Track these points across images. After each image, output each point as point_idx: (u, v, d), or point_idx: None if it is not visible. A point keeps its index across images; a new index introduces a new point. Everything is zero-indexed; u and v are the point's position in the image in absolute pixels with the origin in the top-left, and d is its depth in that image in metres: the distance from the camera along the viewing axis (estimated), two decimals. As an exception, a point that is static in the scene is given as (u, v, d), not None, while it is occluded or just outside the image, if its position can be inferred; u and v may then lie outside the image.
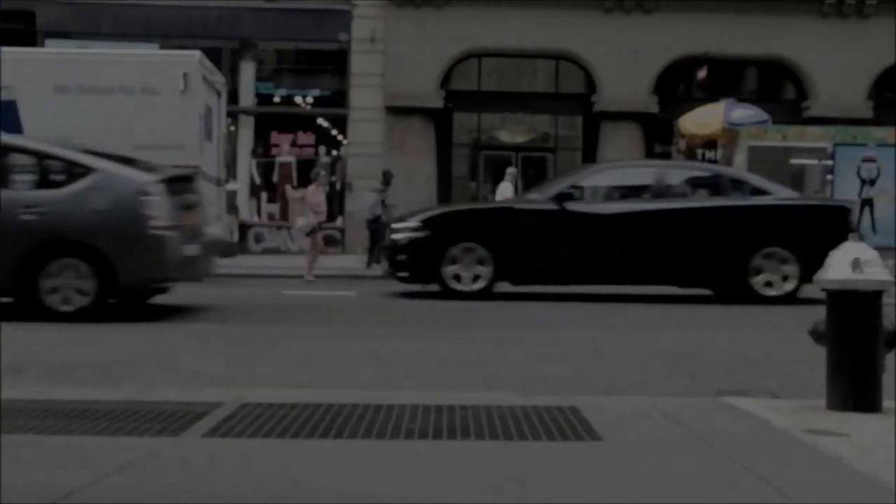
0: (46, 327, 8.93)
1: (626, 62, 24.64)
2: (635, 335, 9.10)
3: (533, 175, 25.89)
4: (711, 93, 22.99)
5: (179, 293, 11.15)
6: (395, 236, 12.91)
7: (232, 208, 21.03)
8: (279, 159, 25.46)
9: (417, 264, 12.62)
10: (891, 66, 24.73)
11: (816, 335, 4.73)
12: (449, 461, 3.65)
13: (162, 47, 21.97)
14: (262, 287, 14.88)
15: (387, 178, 19.77)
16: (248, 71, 25.58)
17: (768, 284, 12.40)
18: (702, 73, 24.79)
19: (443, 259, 12.35)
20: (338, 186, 25.25)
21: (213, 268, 11.16)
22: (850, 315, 4.58)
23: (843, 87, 24.68)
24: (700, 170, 15.03)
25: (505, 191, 20.48)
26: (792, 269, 12.35)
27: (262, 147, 25.78)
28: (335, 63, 25.83)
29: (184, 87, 15.49)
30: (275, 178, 25.38)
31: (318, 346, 7.89)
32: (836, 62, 24.65)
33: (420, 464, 3.64)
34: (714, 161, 24.15)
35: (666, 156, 26.28)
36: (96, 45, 21.83)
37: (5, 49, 15.63)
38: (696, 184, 13.64)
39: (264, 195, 25.61)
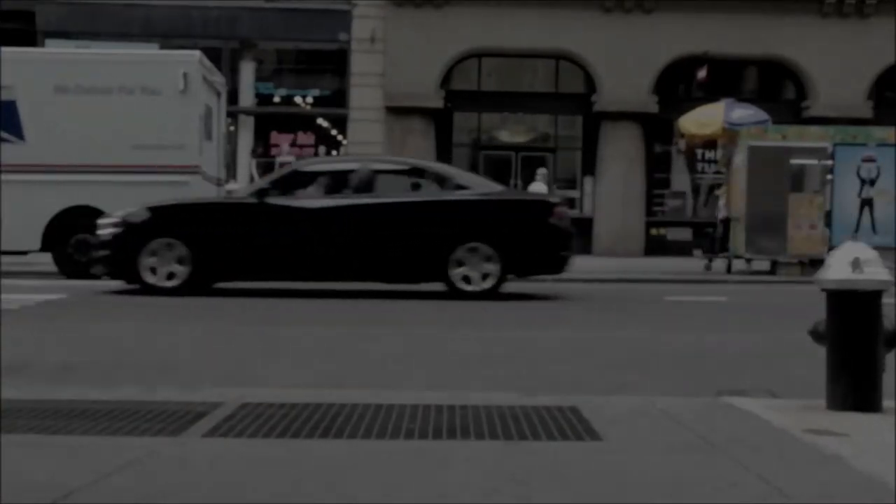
0: (47, 327, 8.94)
1: (625, 62, 24.67)
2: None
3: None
4: (711, 92, 23.02)
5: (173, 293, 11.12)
6: (99, 233, 12.77)
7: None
8: (279, 159, 25.47)
9: (116, 261, 12.47)
10: (891, 65, 24.77)
11: (816, 335, 4.73)
12: (449, 461, 3.65)
13: (162, 47, 22.00)
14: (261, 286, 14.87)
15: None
16: (248, 71, 25.61)
17: (469, 279, 12.23)
18: (702, 73, 24.82)
19: (139, 255, 12.17)
20: (338, 186, 25.27)
21: None
22: (850, 315, 4.58)
23: (843, 87, 24.71)
24: (402, 164, 14.54)
25: (538, 191, 20.53)
26: (493, 264, 12.19)
27: (262, 147, 25.81)
28: (335, 63, 25.85)
29: (184, 87, 15.49)
30: (275, 178, 25.37)
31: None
32: (836, 62, 24.69)
33: (420, 464, 3.64)
34: (714, 161, 24.26)
35: (666, 155, 26.36)
36: (96, 45, 21.86)
37: (5, 49, 15.63)
38: (399, 178, 13.46)
39: (264, 195, 25.60)
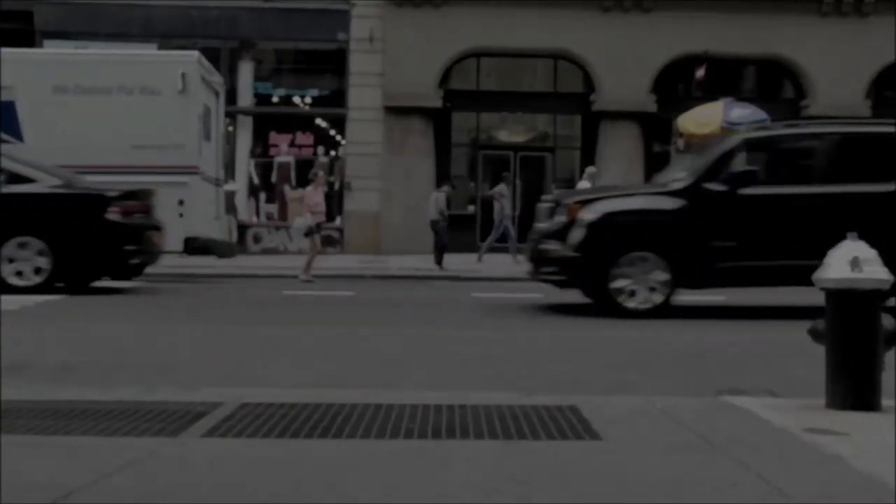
0: (47, 327, 8.94)
1: (624, 61, 24.66)
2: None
3: (531, 175, 25.92)
4: (710, 92, 22.98)
5: (174, 293, 11.14)
6: None
7: (231, 208, 21.05)
8: (278, 159, 25.46)
9: None
10: (889, 64, 24.76)
11: (816, 334, 4.73)
12: (449, 461, 3.65)
13: (161, 47, 22.00)
14: (260, 287, 14.87)
15: (452, 182, 20.41)
16: (246, 71, 25.58)
17: (21, 274, 12.08)
18: (700, 72, 24.80)
19: None
20: (336, 186, 25.24)
21: None
22: (850, 314, 4.58)
23: (842, 86, 24.70)
24: None
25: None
26: (45, 260, 12.03)
27: (261, 147, 25.78)
28: (334, 63, 25.82)
29: (182, 87, 15.49)
30: (273, 179, 25.38)
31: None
32: (835, 61, 24.68)
33: (420, 464, 3.64)
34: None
35: (665, 155, 26.34)
36: (95, 46, 21.85)
37: (5, 49, 15.64)
38: None
39: (263, 195, 25.61)
